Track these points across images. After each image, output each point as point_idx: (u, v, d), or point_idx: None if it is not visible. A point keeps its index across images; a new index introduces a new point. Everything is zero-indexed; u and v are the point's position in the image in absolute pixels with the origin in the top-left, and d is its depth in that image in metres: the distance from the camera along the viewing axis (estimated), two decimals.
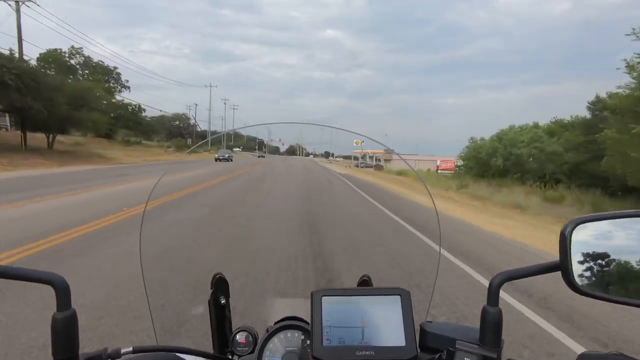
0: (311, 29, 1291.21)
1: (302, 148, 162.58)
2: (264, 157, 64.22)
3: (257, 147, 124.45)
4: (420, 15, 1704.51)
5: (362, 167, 68.92)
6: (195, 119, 71.89)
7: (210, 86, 71.13)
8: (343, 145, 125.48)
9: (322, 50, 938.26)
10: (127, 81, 46.60)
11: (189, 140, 53.65)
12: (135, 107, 47.98)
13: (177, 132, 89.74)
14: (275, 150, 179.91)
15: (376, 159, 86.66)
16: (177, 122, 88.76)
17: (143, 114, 49.49)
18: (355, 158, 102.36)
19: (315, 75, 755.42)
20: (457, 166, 33.85)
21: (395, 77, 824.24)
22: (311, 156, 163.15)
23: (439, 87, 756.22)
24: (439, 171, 35.50)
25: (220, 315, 0.88)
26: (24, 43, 22.75)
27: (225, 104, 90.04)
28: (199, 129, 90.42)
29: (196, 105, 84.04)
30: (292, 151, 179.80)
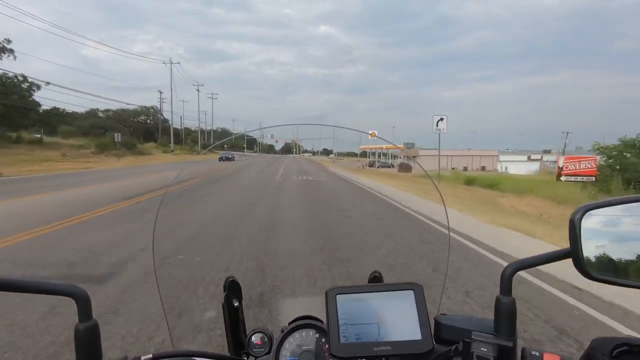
0: (304, 25, 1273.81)
1: (299, 145, 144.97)
2: (231, 159, 39.05)
3: (245, 146, 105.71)
4: (413, 8, 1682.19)
5: (379, 168, 51.97)
6: (160, 110, 53.69)
7: (171, 63, 51.76)
8: (347, 140, 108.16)
9: (316, 47, 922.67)
10: (9, 41, 28.43)
11: (118, 136, 35.15)
12: (14, 80, 28.96)
13: (144, 129, 72.23)
14: (269, 149, 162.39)
15: (392, 156, 69.26)
16: (143, 117, 71.06)
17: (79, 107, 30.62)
18: (363, 155, 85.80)
19: (309, 72, 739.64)
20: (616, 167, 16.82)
21: (389, 72, 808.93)
22: (309, 154, 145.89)
23: (434, 80, 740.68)
24: (562, 178, 17.88)
25: (234, 318, 0.88)
26: None
27: (198, 90, 70.49)
28: (169, 124, 72.65)
29: (161, 93, 62.66)
30: (288, 149, 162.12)
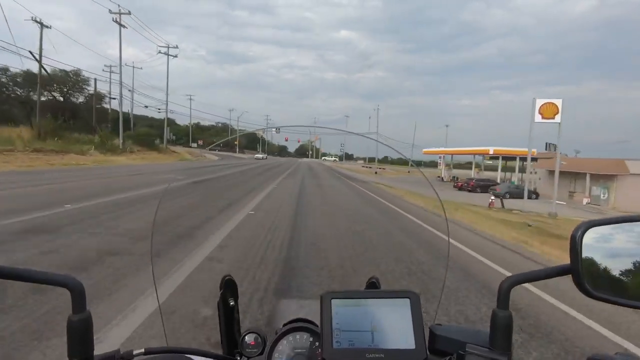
0: (325, 29, 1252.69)
1: (315, 147, 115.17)
2: None
3: (237, 143, 74.74)
4: (435, 14, 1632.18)
5: (506, 198, 21.83)
6: (39, 56, 24.31)
7: None
8: (390, 140, 76.02)
9: (336, 52, 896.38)
10: None
11: None
12: None
13: (59, 107, 43.54)
14: (280, 150, 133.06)
15: (465, 165, 37.55)
16: (58, 86, 42.15)
17: None
18: (414, 164, 55.13)
19: (328, 77, 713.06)
20: None
21: (408, 78, 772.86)
22: (333, 159, 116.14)
23: (454, 88, 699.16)
24: None
25: (229, 317, 0.87)
26: None
27: (120, 25, 32.84)
28: (105, 104, 43.34)
29: (44, 27, 28.58)
30: (303, 152, 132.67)
